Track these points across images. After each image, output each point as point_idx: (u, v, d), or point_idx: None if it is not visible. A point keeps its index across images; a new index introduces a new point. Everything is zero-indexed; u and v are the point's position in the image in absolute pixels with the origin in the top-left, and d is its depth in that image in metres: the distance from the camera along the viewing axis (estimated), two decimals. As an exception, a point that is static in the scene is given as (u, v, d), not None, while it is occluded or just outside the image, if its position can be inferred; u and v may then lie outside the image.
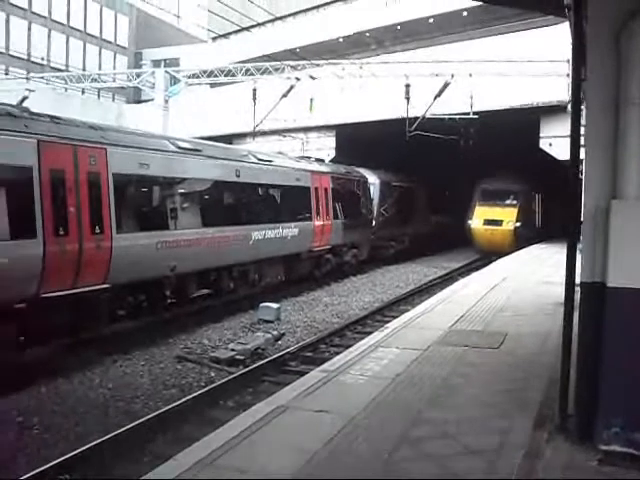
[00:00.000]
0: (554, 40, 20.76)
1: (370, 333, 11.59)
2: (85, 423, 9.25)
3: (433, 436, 5.72)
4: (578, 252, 5.71)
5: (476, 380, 7.56)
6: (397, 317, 13.26)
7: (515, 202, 31.50)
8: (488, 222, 30.81)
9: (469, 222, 31.80)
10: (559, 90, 22.62)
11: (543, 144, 26.49)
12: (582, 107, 6.30)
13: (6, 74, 42.85)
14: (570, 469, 5.04)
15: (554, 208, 36.60)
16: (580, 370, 5.53)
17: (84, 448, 7.90)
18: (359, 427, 5.95)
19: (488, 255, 29.71)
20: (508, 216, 30.85)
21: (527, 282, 16.31)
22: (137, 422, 8.89)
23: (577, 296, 5.68)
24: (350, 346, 10.24)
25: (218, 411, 9.86)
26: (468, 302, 13.41)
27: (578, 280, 5.63)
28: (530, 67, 23.96)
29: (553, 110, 24.49)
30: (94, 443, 8.05)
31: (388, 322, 12.73)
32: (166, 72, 36.27)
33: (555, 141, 25.08)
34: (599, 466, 5.05)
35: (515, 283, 16.17)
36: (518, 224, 30.83)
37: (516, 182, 31.90)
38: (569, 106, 6.24)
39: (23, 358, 11.41)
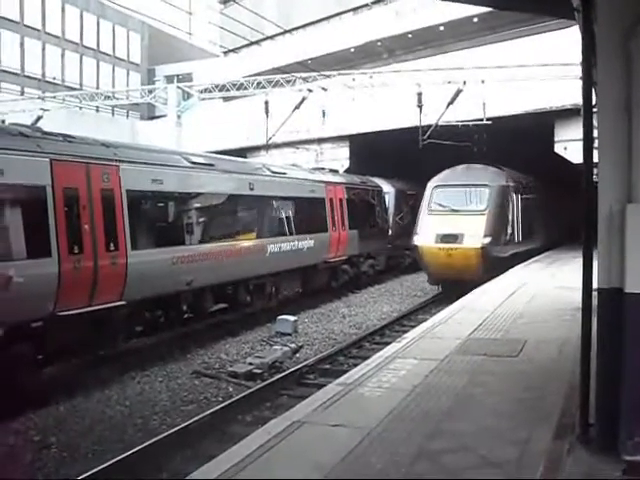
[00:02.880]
0: (567, 43, 20.65)
1: (388, 344, 11.49)
2: (103, 441, 9.24)
3: (452, 449, 5.63)
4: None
5: (495, 389, 7.46)
6: (415, 327, 13.16)
7: (484, 207, 21.36)
8: (444, 238, 20.96)
9: (415, 238, 22.03)
10: (573, 93, 22.43)
11: (558, 148, 26.27)
12: (595, 110, 6.21)
13: (21, 94, 43.28)
14: (593, 481, 4.94)
15: (544, 213, 28.32)
16: (600, 378, 5.41)
17: (101, 467, 7.87)
18: (376, 441, 5.86)
19: (449, 288, 21.29)
20: (473, 228, 20.73)
21: (545, 288, 16.13)
22: (154, 439, 8.86)
23: (595, 302, 5.58)
24: (368, 357, 10.15)
25: (236, 426, 9.82)
26: (486, 309, 13.27)
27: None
28: (543, 71, 23.83)
29: (567, 114, 24.30)
30: (111, 462, 8.03)
31: (406, 332, 12.63)
32: (178, 87, 36.47)
33: (570, 145, 24.86)
34: (623, 477, 4.93)
35: (533, 289, 16.00)
36: (488, 239, 20.60)
37: (485, 175, 22.55)
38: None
39: (41, 376, 11.44)
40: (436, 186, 22.49)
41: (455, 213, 21.54)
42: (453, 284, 20.83)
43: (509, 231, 22.56)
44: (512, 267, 21.43)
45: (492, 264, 20.54)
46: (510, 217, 22.65)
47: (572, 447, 5.50)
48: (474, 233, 20.54)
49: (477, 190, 21.81)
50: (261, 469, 5.32)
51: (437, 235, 21.12)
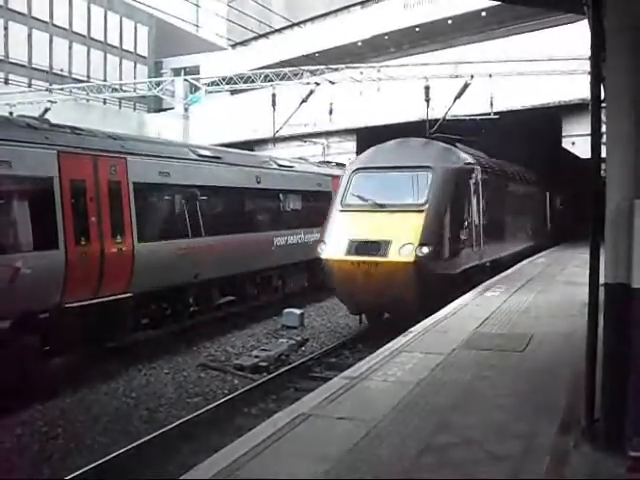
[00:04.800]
0: (575, 37, 20.57)
1: (394, 338, 11.48)
2: (109, 433, 9.29)
3: (457, 442, 5.62)
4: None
5: (500, 384, 7.45)
6: (421, 321, 13.14)
7: (423, 200, 14.60)
8: (360, 247, 14.22)
9: (319, 248, 15.18)
10: (581, 88, 22.36)
11: (566, 143, 26.21)
12: (603, 105, 6.19)
13: (29, 86, 43.29)
14: (598, 476, 4.92)
15: (530, 210, 24.18)
16: (606, 373, 5.40)
17: (107, 458, 7.91)
18: (382, 434, 5.87)
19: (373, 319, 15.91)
20: (405, 231, 14.14)
21: (552, 283, 16.09)
22: (160, 431, 8.91)
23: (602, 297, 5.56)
24: (374, 351, 10.15)
25: (242, 419, 9.87)
26: (493, 304, 13.23)
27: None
28: (551, 65, 23.74)
29: (576, 108, 24.24)
30: (117, 453, 8.07)
31: (412, 326, 12.61)
32: (185, 80, 36.46)
33: (578, 140, 24.79)
34: (629, 473, 4.92)
35: (540, 284, 15.96)
36: (427, 249, 13.92)
37: (428, 153, 15.84)
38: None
39: (48, 368, 11.49)
40: (356, 170, 15.96)
41: (380, 210, 14.73)
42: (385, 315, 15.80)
43: (464, 236, 15.75)
44: (469, 288, 14.93)
45: (434, 285, 14.01)
46: (467, 215, 16.06)
47: (577, 442, 5.49)
48: (406, 239, 13.97)
49: (414, 175, 15.07)
50: (268, 460, 5.32)
51: (351, 243, 14.32)
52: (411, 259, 13.80)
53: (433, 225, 14.39)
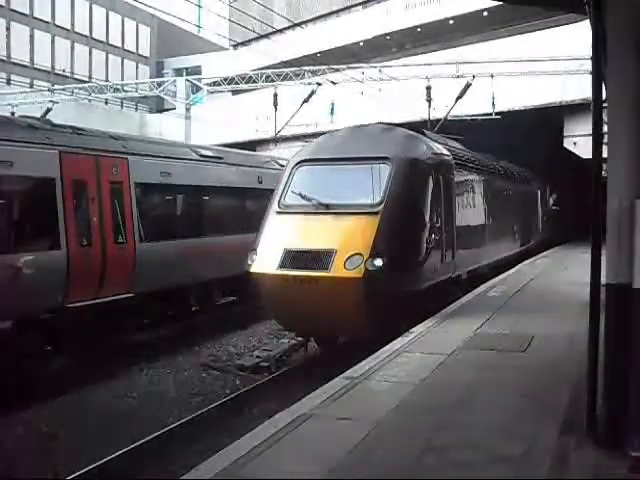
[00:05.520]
0: (577, 37, 20.56)
1: (395, 338, 11.46)
2: (110, 433, 9.28)
3: (458, 443, 5.62)
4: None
5: (502, 385, 7.45)
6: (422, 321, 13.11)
7: (378, 199, 11.65)
8: (296, 259, 11.24)
9: (250, 259, 11.95)
10: (583, 88, 22.37)
11: (567, 143, 26.18)
12: (605, 105, 6.18)
13: (31, 87, 43.35)
14: (599, 476, 4.92)
15: (520, 209, 22.44)
16: (607, 374, 5.40)
17: (108, 458, 7.91)
18: (383, 434, 5.87)
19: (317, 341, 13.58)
20: (354, 239, 11.36)
21: (556, 283, 16.06)
22: (162, 431, 8.90)
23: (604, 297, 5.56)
24: (375, 351, 10.13)
25: (243, 419, 9.83)
26: (495, 304, 13.21)
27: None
28: (553, 65, 23.73)
29: (577, 108, 24.23)
30: (118, 453, 8.07)
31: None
32: (187, 80, 36.48)
33: (580, 140, 24.77)
34: (630, 473, 4.92)
35: (543, 284, 15.94)
36: (380, 261, 10.89)
37: (386, 142, 12.96)
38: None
39: (49, 368, 11.50)
40: (299, 162, 12.99)
41: (325, 212, 11.86)
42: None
43: (431, 244, 12.58)
44: (440, 307, 12.51)
45: (390, 306, 11.05)
46: (435, 218, 12.90)
47: (579, 443, 5.49)
48: (354, 249, 11.10)
49: (369, 168, 12.03)
50: (269, 460, 5.33)
51: (286, 253, 11.37)
52: (359, 274, 10.86)
53: (390, 231, 11.48)
